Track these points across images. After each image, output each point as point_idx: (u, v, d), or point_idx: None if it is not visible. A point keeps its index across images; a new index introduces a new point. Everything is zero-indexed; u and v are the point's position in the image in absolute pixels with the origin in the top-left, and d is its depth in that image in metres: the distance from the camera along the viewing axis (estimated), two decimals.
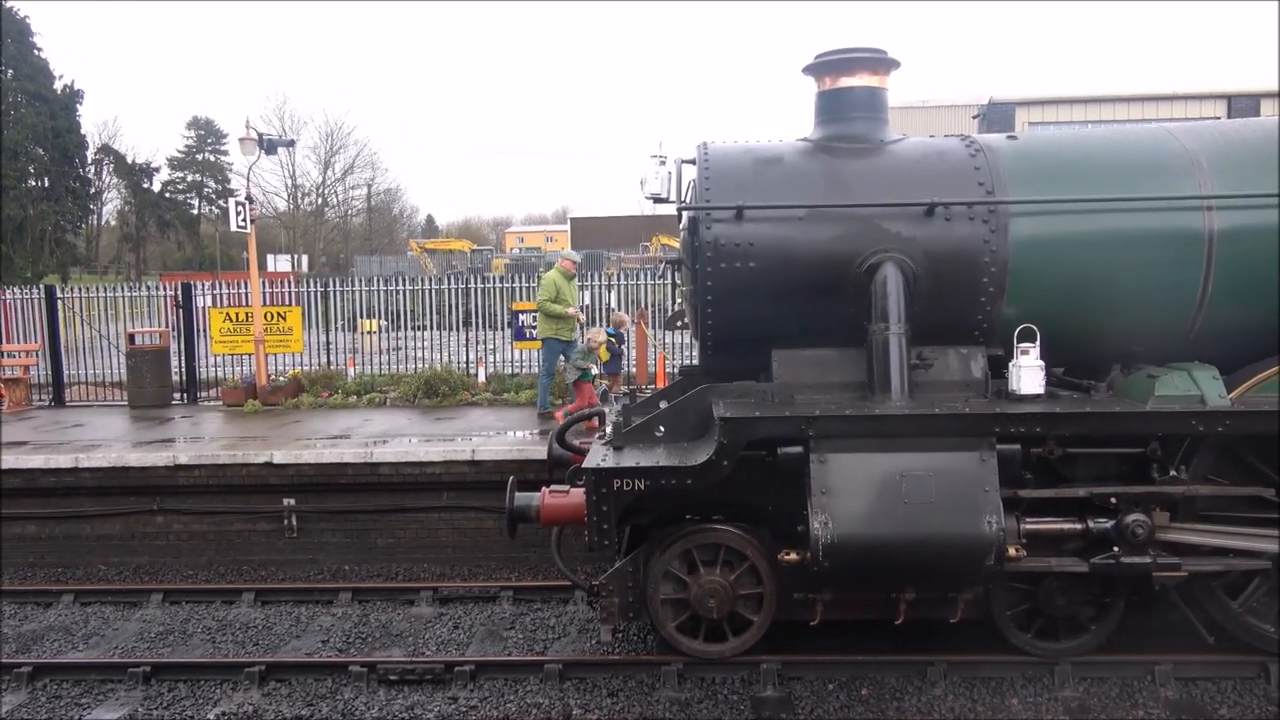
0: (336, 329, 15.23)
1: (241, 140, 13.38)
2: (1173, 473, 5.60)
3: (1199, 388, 5.49)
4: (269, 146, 13.69)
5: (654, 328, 14.16)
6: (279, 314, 13.73)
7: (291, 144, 17.33)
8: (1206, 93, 20.26)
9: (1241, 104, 19.84)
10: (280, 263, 41.90)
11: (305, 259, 45.60)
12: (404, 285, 16.30)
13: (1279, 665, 5.74)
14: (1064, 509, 5.68)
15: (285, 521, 9.22)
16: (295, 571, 9.03)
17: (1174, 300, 5.76)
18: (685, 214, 6.31)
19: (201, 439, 10.48)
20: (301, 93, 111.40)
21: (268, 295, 14.90)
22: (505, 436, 10.16)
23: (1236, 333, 5.78)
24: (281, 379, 13.56)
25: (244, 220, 12.84)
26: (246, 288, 14.38)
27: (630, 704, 5.87)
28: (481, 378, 13.83)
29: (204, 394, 13.86)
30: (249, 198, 13.46)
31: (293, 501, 9.23)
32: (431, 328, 15.47)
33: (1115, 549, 5.57)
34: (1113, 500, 5.59)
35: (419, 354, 15.01)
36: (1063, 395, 5.80)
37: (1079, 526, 5.62)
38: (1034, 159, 6.02)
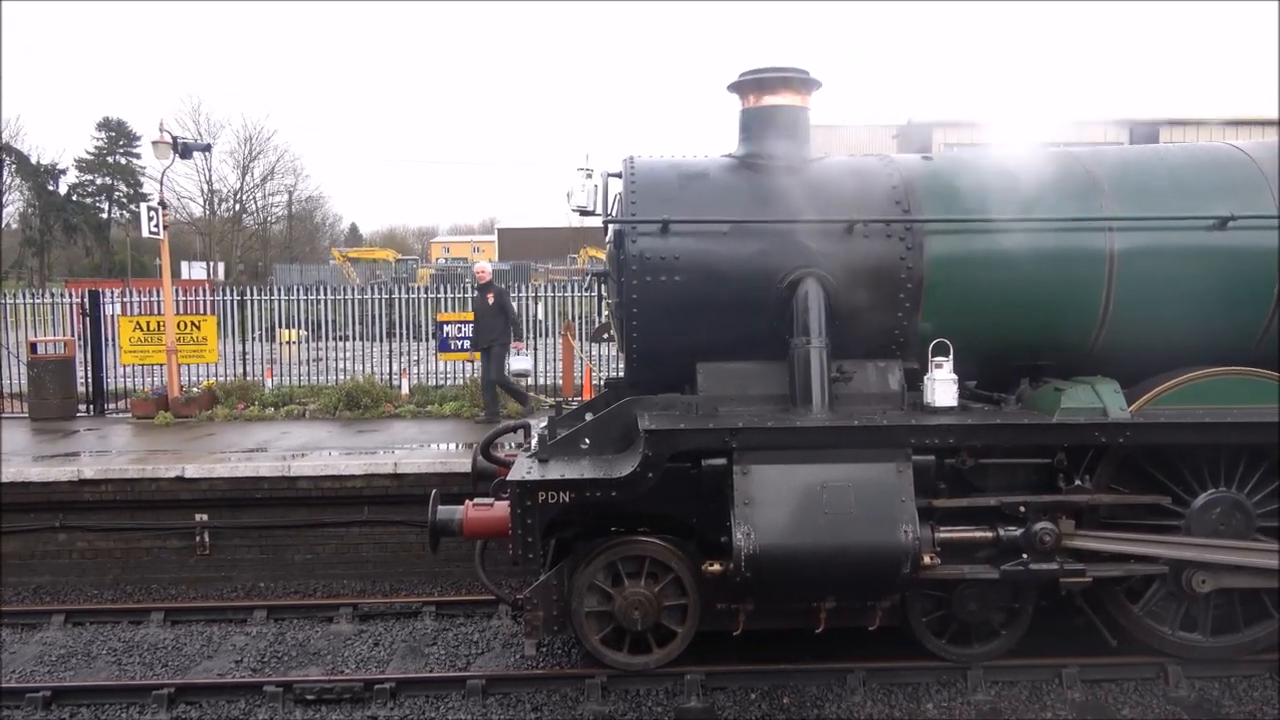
0: (254, 339, 14.85)
1: (155, 143, 12.99)
2: (1078, 482, 5.84)
3: (1101, 401, 5.73)
4: (184, 150, 13.31)
5: (581, 340, 14.16)
6: (193, 323, 13.31)
7: (208, 148, 16.84)
8: (1110, 119, 21.23)
9: (1142, 130, 20.85)
10: (195, 270, 40.55)
11: (222, 266, 44.18)
12: (326, 294, 15.98)
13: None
14: (976, 518, 5.86)
15: (197, 538, 8.91)
16: (207, 589, 8.74)
17: (1078, 316, 6.02)
18: (611, 227, 6.34)
19: (109, 453, 10.08)
20: (219, 95, 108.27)
21: (181, 304, 14.45)
22: (429, 449, 10.03)
23: (1135, 348, 6.06)
24: (195, 390, 13.15)
25: (157, 226, 12.44)
26: (159, 296, 13.91)
27: (554, 718, 5.83)
28: (405, 389, 13.63)
29: (112, 406, 13.35)
30: (162, 203, 13.06)
31: (205, 517, 8.93)
32: (354, 338, 15.19)
33: (1024, 556, 5.77)
34: (1022, 509, 5.79)
35: (341, 365, 14.71)
36: (974, 408, 6.00)
37: (990, 535, 5.80)
38: (947, 179, 6.23)
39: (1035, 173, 6.29)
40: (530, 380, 13.11)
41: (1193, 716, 5.76)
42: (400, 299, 15.31)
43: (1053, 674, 6.08)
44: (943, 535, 5.74)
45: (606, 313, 7.26)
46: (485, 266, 12.91)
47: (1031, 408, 5.97)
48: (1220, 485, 5.91)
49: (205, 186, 49.38)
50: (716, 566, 5.63)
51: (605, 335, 7.64)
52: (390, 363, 14.47)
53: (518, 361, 11.70)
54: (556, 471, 5.73)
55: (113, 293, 15.25)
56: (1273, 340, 6.05)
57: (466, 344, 13.55)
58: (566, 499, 5.61)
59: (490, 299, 11.85)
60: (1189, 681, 6.02)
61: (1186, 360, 5.96)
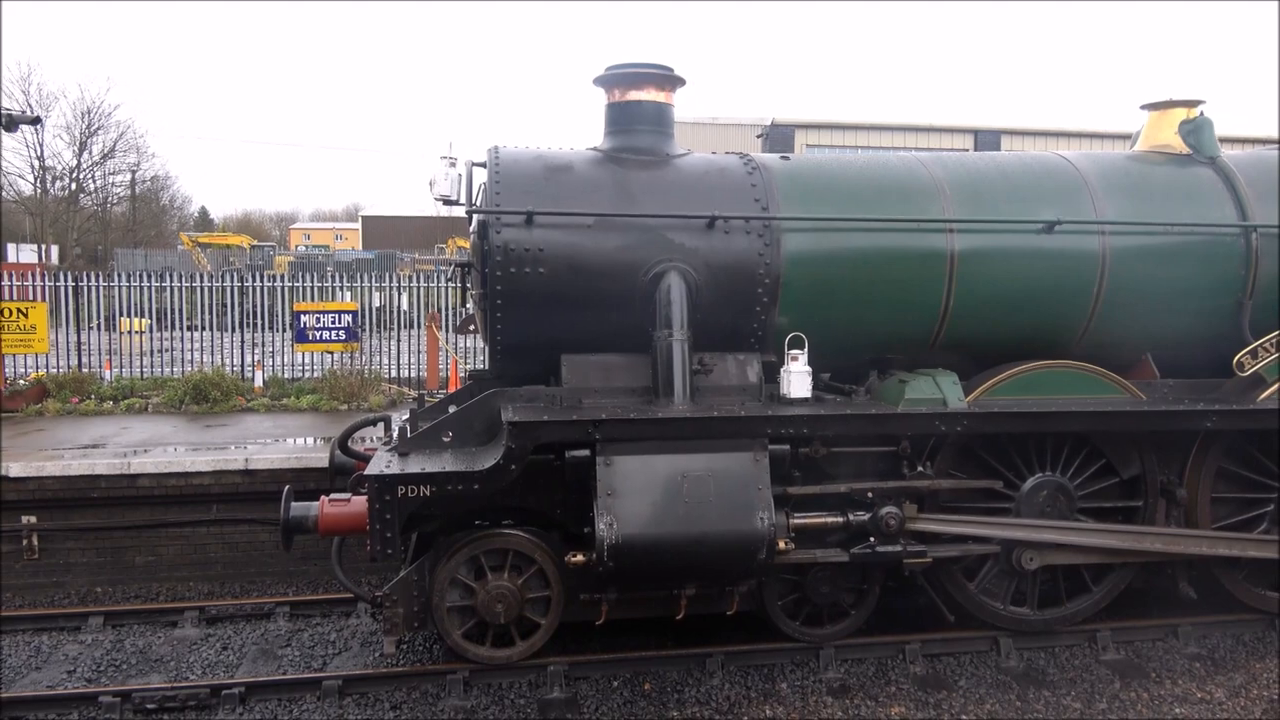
0: (90, 328, 13.90)
1: None
2: (920, 468, 6.18)
3: (941, 392, 6.08)
4: (9, 122, 12.30)
5: (446, 331, 13.93)
6: (20, 310, 12.36)
7: (38, 121, 15.60)
8: (957, 126, 22.50)
9: (986, 138, 22.19)
10: (25, 253, 37.47)
11: (56, 250, 40.96)
12: (172, 281, 15.10)
13: (1008, 638, 6.48)
14: (827, 504, 6.11)
15: (24, 541, 8.29)
16: (36, 596, 8.14)
17: (921, 312, 6.37)
18: (475, 218, 6.27)
19: None
20: (53, 64, 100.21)
21: (9, 289, 13.34)
22: (283, 444, 9.64)
23: (972, 342, 6.48)
24: (23, 383, 12.20)
25: None
26: None
27: (414, 715, 5.74)
28: (259, 382, 13.06)
29: None
30: None
31: (33, 519, 8.32)
32: (204, 328, 14.44)
33: (871, 539, 6.06)
34: (869, 494, 6.09)
35: (190, 356, 13.96)
36: (827, 399, 6.26)
37: (840, 520, 6.06)
38: (804, 179, 6.46)
39: (884, 175, 6.62)
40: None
41: (1021, 684, 6.20)
42: (254, 287, 14.65)
43: (897, 650, 6.42)
44: (797, 521, 5.95)
45: (471, 304, 7.17)
46: None
47: (879, 399, 6.27)
48: (1046, 470, 6.39)
49: (36, 163, 45.63)
50: (580, 557, 5.66)
51: (471, 327, 7.55)
52: (243, 354, 13.82)
53: None
54: (417, 465, 5.62)
55: None
56: (1092, 336, 6.58)
57: (325, 335, 13.11)
58: (427, 493, 5.51)
59: None
60: (1018, 652, 6.48)
61: (1018, 354, 6.40)
